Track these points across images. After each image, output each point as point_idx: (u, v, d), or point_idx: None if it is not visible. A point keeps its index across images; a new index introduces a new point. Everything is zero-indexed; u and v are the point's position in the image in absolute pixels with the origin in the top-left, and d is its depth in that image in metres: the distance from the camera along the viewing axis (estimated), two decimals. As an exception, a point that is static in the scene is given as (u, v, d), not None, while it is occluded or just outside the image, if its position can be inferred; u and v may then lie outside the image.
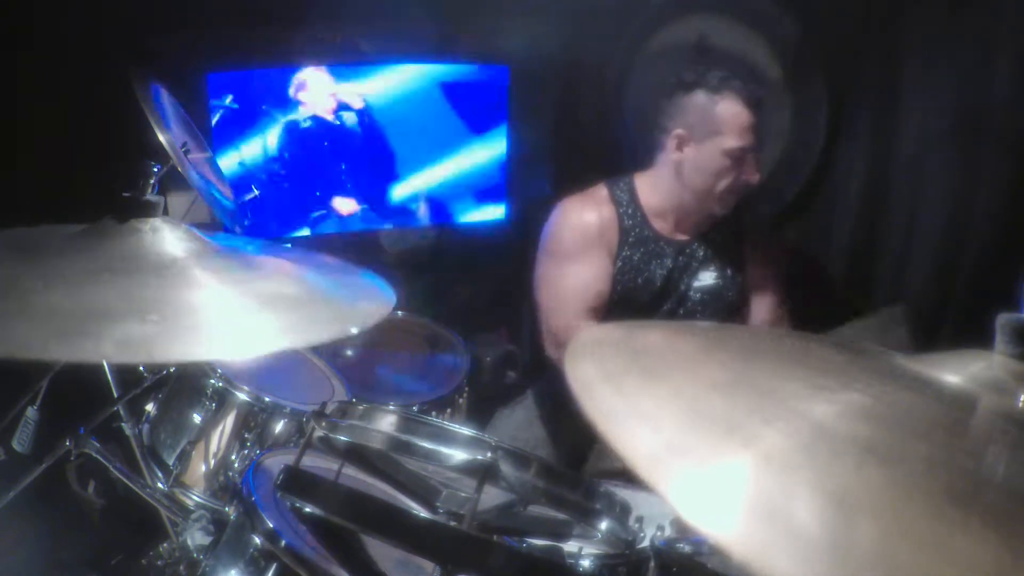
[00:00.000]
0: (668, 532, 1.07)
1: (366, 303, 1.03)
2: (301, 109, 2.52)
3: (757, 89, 1.91)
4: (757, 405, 0.59)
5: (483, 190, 2.80)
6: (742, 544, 0.45)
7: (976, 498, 0.48)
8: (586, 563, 1.10)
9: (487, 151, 2.76)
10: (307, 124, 2.55)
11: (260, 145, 2.51)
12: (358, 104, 2.59)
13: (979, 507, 0.47)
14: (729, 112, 1.85)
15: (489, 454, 0.92)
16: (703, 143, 1.88)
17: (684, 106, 1.91)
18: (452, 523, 1.01)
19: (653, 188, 2.01)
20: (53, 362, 1.28)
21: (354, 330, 0.96)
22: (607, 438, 0.55)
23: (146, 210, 1.03)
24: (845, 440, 0.53)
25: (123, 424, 1.52)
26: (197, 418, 1.50)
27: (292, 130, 2.53)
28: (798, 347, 0.75)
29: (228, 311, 0.91)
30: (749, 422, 0.56)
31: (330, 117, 2.57)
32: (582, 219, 1.99)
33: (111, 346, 0.77)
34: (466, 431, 0.97)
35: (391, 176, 2.69)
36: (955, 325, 2.24)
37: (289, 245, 2.56)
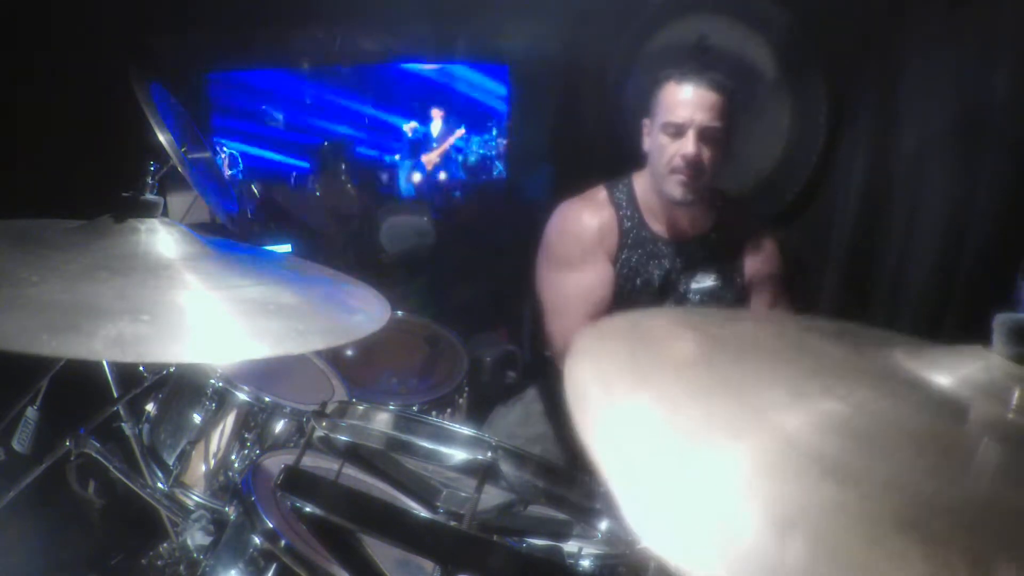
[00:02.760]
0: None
1: (359, 316, 1.04)
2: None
3: (723, 78, 1.91)
4: (734, 415, 0.59)
5: (483, 190, 2.80)
6: (680, 555, 0.46)
7: (924, 525, 0.48)
8: (586, 563, 1.10)
9: (487, 150, 2.76)
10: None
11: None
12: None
13: (923, 534, 0.47)
14: (665, 90, 1.90)
15: (489, 454, 0.92)
16: (654, 127, 1.93)
17: (650, 100, 1.96)
18: (452, 523, 1.01)
19: (643, 186, 2.02)
20: (52, 360, 1.28)
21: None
22: (587, 445, 0.56)
23: (144, 210, 1.03)
24: (810, 457, 0.54)
25: (123, 424, 1.52)
26: (197, 418, 1.50)
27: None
28: (796, 343, 0.75)
29: (218, 315, 0.92)
30: (720, 435, 0.57)
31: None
32: (582, 224, 1.99)
33: (102, 343, 0.77)
34: (466, 431, 0.97)
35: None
36: (955, 325, 2.23)
37: (290, 247, 2.59)
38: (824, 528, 0.48)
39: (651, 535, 0.48)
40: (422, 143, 2.87)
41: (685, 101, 1.86)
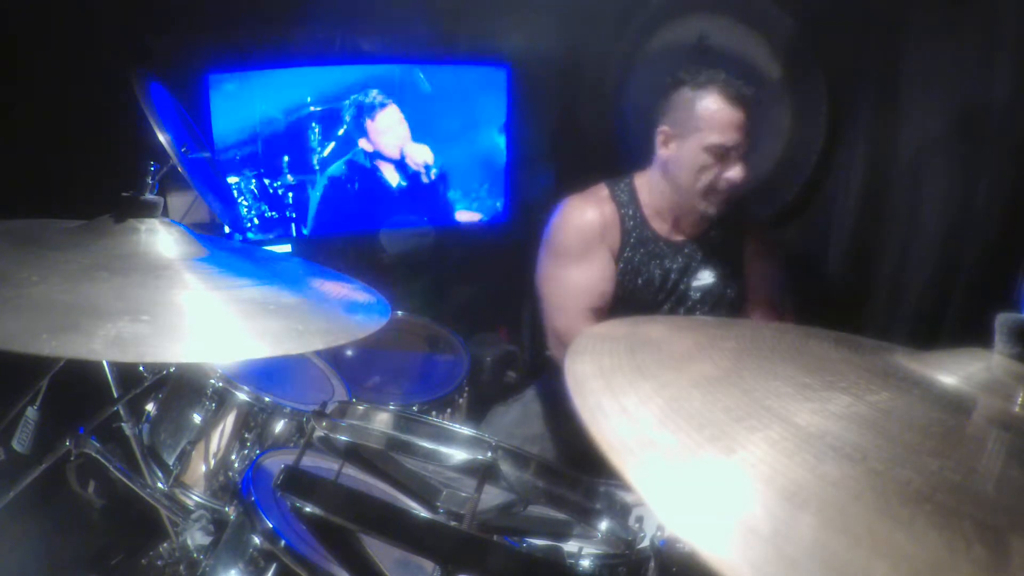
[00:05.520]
0: (668, 532, 1.07)
1: (359, 316, 1.04)
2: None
3: (746, 87, 1.88)
4: (734, 403, 0.59)
5: (484, 190, 2.80)
6: (691, 531, 0.48)
7: (929, 499, 0.49)
8: (586, 563, 1.10)
9: (487, 151, 2.76)
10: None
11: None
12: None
13: (928, 507, 0.48)
14: (710, 108, 1.83)
15: (489, 454, 0.92)
16: (685, 139, 1.87)
17: (671, 103, 1.90)
18: (452, 523, 1.01)
19: (649, 188, 2.01)
20: (52, 360, 1.28)
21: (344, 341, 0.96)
22: (591, 430, 0.57)
23: (144, 210, 1.03)
24: (812, 437, 0.54)
25: (123, 424, 1.52)
26: (197, 418, 1.50)
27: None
28: (796, 343, 0.75)
29: (218, 315, 0.92)
30: (722, 419, 0.58)
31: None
32: (584, 218, 1.98)
33: (102, 343, 0.77)
34: (466, 431, 0.97)
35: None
36: (955, 325, 2.24)
37: (289, 247, 2.59)
38: (832, 501, 0.49)
39: (672, 517, 0.50)
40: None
41: (733, 122, 1.82)
